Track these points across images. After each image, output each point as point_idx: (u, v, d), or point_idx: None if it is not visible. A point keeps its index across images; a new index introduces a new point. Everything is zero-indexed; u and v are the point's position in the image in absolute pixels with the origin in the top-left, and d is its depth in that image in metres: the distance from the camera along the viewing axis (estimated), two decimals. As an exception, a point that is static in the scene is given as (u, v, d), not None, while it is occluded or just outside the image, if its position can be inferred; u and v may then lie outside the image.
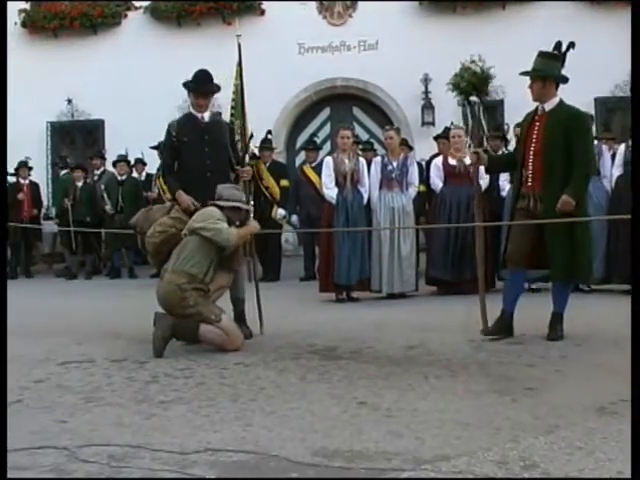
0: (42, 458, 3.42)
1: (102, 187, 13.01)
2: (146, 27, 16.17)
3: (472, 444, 3.45)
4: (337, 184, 8.87)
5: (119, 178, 12.99)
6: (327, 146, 14.63)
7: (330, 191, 8.85)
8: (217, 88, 7.01)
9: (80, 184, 13.12)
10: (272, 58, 14.75)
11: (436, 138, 10.46)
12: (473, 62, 6.40)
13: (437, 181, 9.20)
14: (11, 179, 13.76)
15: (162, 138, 7.35)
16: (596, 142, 9.35)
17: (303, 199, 11.28)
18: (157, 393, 4.59)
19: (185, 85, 6.88)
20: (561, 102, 6.04)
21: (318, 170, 9.99)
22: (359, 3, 15.71)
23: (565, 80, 6.07)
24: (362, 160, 9.28)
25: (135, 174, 13.42)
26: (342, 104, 16.07)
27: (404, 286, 8.85)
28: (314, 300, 8.84)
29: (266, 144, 11.78)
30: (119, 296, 10.11)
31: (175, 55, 14.60)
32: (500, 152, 9.68)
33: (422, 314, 6.47)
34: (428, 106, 14.15)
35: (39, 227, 13.31)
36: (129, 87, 15.03)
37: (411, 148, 11.91)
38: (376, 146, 12.66)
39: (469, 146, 7.77)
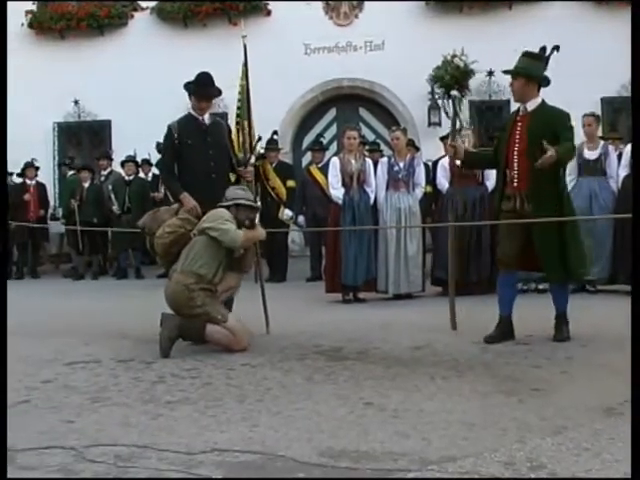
0: (49, 458, 3.43)
1: (109, 187, 13.03)
2: (152, 28, 16.18)
3: (479, 445, 3.45)
4: (343, 184, 8.87)
5: (126, 178, 13.01)
6: (333, 146, 14.62)
7: (337, 191, 8.85)
8: (219, 92, 7.03)
9: (87, 185, 13.14)
10: (278, 58, 14.75)
11: (442, 139, 10.44)
12: (455, 56, 6.40)
13: (443, 182, 9.18)
14: (18, 180, 13.80)
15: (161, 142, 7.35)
16: (602, 142, 9.35)
17: (309, 199, 11.28)
18: (164, 393, 4.60)
19: (186, 87, 6.88)
20: (543, 102, 6.04)
21: (324, 170, 9.99)
22: (365, 3, 15.71)
23: (547, 82, 6.05)
24: (369, 161, 9.28)
25: (142, 174, 13.44)
26: (348, 104, 16.06)
27: (410, 287, 8.85)
28: (320, 301, 8.84)
29: (272, 145, 11.79)
30: (126, 296, 10.12)
31: (181, 56, 14.61)
32: None
33: (428, 315, 6.47)
34: (434, 106, 14.13)
35: (46, 227, 13.31)
36: (135, 88, 15.05)
37: (418, 149, 11.90)
38: (383, 147, 12.66)
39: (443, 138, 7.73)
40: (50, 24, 15.93)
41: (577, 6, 15.32)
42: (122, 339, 6.49)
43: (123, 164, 13.19)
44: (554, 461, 3.22)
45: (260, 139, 10.64)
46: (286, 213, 11.30)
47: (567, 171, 9.05)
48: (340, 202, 8.81)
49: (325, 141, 13.46)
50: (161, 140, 7.40)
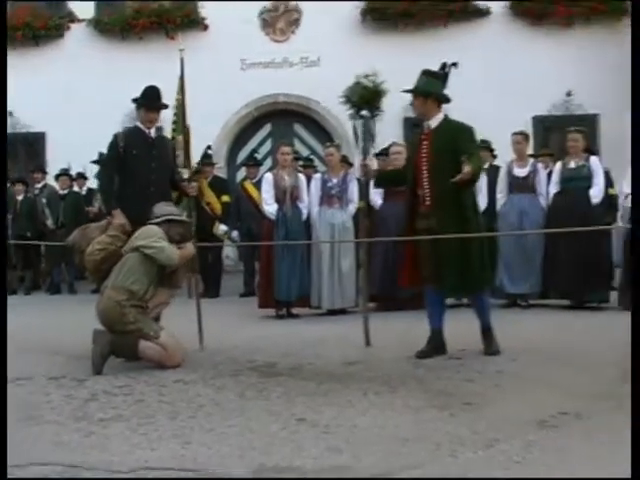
0: (-24, 478, 3.35)
1: (43, 201, 12.83)
2: (89, 40, 16.02)
3: (411, 459, 3.47)
4: (277, 200, 8.87)
5: (60, 192, 12.84)
6: (268, 162, 14.64)
7: (270, 207, 8.86)
8: (165, 105, 7.09)
9: (21, 198, 12.92)
10: (214, 73, 14.73)
11: (376, 155, 10.52)
12: (366, 76, 6.48)
13: (377, 197, 9.25)
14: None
15: (104, 152, 7.32)
16: (532, 160, 9.53)
17: (244, 215, 11.26)
18: (96, 411, 4.53)
19: (134, 100, 6.93)
20: (446, 118, 6.10)
21: (259, 186, 9.99)
22: (302, 20, 15.80)
23: (447, 99, 6.11)
24: (302, 176, 9.31)
25: (76, 188, 13.27)
26: (283, 120, 16.11)
27: (344, 302, 8.88)
28: (254, 316, 8.81)
29: (206, 160, 11.75)
30: (58, 312, 9.96)
31: (118, 68, 14.52)
32: (488, 164, 9.78)
33: (362, 330, 6.49)
34: (372, 120, 14.22)
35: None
36: (71, 100, 14.88)
37: (351, 165, 11.96)
38: (317, 163, 12.71)
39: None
40: (-18, 33, 15.67)
41: (511, 25, 15.63)
42: (54, 355, 6.38)
43: (57, 178, 13.01)
44: (486, 474, 3.26)
45: (210, 147, 10.65)
46: (221, 228, 11.27)
47: (498, 188, 9.27)
48: (273, 217, 8.81)
49: (260, 156, 13.48)
50: (103, 150, 7.37)
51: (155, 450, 3.71)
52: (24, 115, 15.59)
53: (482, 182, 9.26)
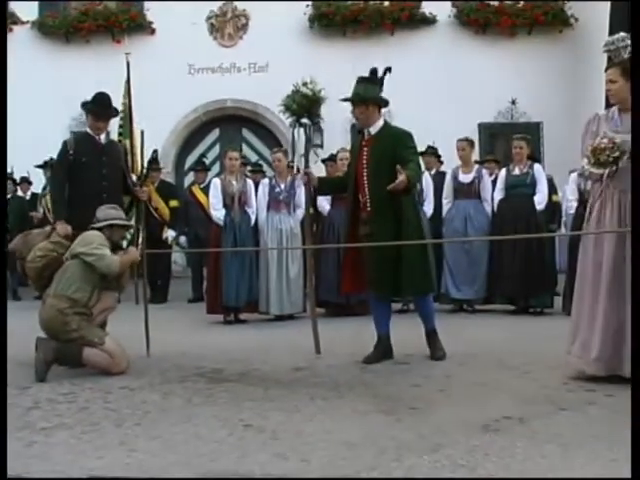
0: None
1: (-16, 207, 12.62)
2: (33, 42, 15.85)
3: (357, 464, 3.48)
4: (225, 205, 8.84)
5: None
6: (216, 167, 14.60)
7: (218, 212, 8.82)
8: (116, 112, 7.10)
9: (-39, 203, 12.69)
10: (162, 77, 14.67)
11: (324, 161, 10.56)
12: (305, 84, 6.54)
13: (324, 203, 9.27)
14: None
15: (48, 156, 7.24)
16: (477, 166, 9.64)
17: (192, 220, 11.20)
18: (39, 419, 4.46)
19: (84, 106, 6.88)
20: (385, 124, 6.14)
21: (207, 191, 9.94)
22: (250, 25, 15.80)
23: (386, 103, 6.13)
24: (249, 182, 9.30)
25: (20, 193, 13.07)
26: (231, 125, 16.09)
27: (292, 308, 8.88)
28: (202, 322, 8.77)
29: (153, 164, 11.65)
30: (0, 319, 9.78)
31: (63, 72, 14.37)
32: (434, 170, 9.84)
33: (310, 336, 6.49)
34: (317, 129, 14.28)
35: None
36: (15, 103, 14.63)
37: (299, 170, 11.99)
38: (265, 168, 12.71)
39: (297, 168, 7.87)
40: None
41: (457, 34, 15.83)
42: (-5, 363, 6.27)
43: (-4, 181, 12.81)
44: (430, 478, 3.28)
45: (156, 151, 10.57)
46: (169, 233, 11.19)
47: (443, 194, 9.36)
48: (221, 223, 8.78)
49: (208, 161, 13.42)
50: (43, 159, 7.29)
51: (100, 458, 3.66)
52: (-34, 118, 15.32)
53: (428, 188, 9.35)
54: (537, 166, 9.17)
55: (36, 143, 12.23)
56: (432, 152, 10.20)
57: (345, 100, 6.12)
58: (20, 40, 15.79)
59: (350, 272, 6.19)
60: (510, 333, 7.46)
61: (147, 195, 7.29)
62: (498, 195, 9.11)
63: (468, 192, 9.27)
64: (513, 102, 15.47)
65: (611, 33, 8.02)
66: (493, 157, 11.33)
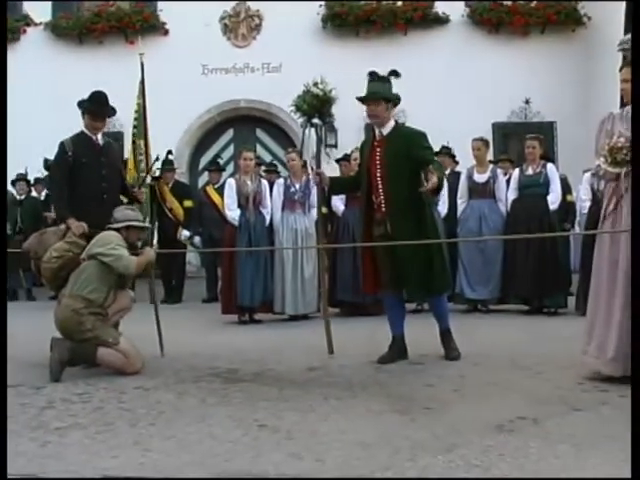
0: None
1: None
2: (46, 44, 15.91)
3: (372, 464, 3.47)
4: (239, 206, 8.85)
5: (18, 198, 12.68)
6: (230, 167, 14.62)
7: (232, 212, 8.83)
8: (113, 111, 6.93)
9: (-25, 203, 12.75)
10: (176, 78, 14.70)
11: (338, 161, 10.56)
12: (315, 84, 6.53)
13: (338, 203, 9.27)
14: None
15: (45, 158, 7.22)
16: (492, 166, 9.61)
17: (206, 220, 11.21)
18: (53, 419, 4.47)
19: (80, 105, 6.75)
20: (397, 125, 6.13)
21: (221, 191, 9.95)
22: (263, 25, 15.81)
23: (398, 100, 6.12)
24: (264, 182, 9.30)
25: (34, 193, 13.12)
26: (245, 126, 16.12)
27: (307, 308, 8.88)
28: (217, 322, 8.78)
29: (168, 165, 11.69)
30: (16, 318, 9.80)
31: (76, 73, 14.42)
32: (449, 170, 9.81)
33: (324, 336, 6.49)
34: (330, 129, 14.27)
35: None
36: (28, 104, 14.73)
37: (312, 169, 11.97)
38: (280, 168, 12.72)
39: (311, 168, 7.89)
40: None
41: (471, 33, 15.79)
42: (11, 363, 6.26)
43: (14, 183, 12.85)
44: (444, 478, 3.28)
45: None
46: (184, 233, 11.22)
47: (458, 194, 9.34)
48: (236, 223, 8.79)
49: (222, 161, 13.43)
50: (49, 157, 7.25)
51: (114, 458, 3.67)
52: (-21, 119, 15.40)
53: (443, 188, 9.33)
54: (550, 166, 9.14)
55: (50, 144, 12.22)
56: (446, 152, 10.18)
57: (359, 99, 6.10)
58: (34, 41, 15.88)
59: (371, 272, 6.18)
60: (524, 333, 7.44)
61: (143, 197, 7.23)
62: (511, 195, 9.08)
63: (483, 192, 9.25)
64: (527, 102, 15.42)
65: (626, 32, 8.01)
66: (507, 157, 11.30)
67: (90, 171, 6.49)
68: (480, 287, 9.10)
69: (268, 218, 8.97)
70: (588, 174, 9.01)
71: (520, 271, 8.81)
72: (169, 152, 11.96)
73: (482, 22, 15.66)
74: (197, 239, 11.36)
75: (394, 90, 6.10)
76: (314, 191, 9.04)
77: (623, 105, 5.36)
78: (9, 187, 13.13)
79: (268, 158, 14.68)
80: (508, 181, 9.32)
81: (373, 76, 6.05)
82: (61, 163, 6.59)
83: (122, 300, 6.00)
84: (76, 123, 6.99)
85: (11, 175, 13.29)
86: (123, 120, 14.30)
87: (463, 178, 9.44)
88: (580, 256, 8.72)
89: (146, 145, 11.45)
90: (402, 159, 5.83)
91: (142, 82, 11.45)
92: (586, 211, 8.84)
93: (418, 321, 7.12)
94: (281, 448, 3.76)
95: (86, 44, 15.84)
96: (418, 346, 6.19)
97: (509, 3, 15.67)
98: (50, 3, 15.95)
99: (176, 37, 15.63)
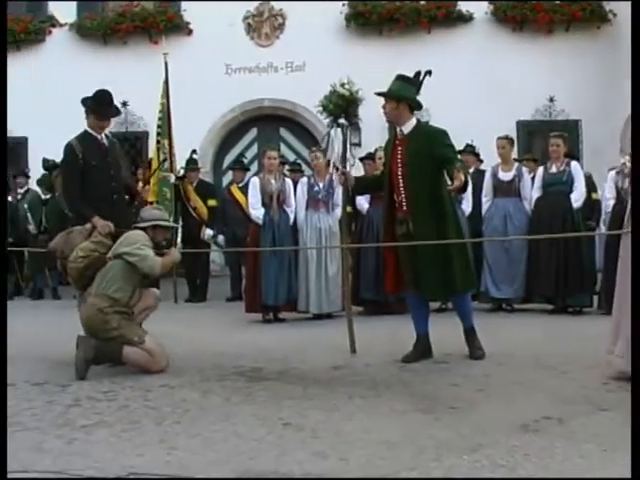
0: (-42, 486, 3.33)
1: (25, 206, 12.76)
2: (71, 44, 16.00)
3: (396, 464, 3.47)
4: (263, 204, 8.87)
5: (43, 197, 12.76)
6: (254, 166, 14.65)
7: (256, 211, 8.85)
8: (118, 111, 7.00)
9: (2, 203, 12.85)
10: (199, 78, 14.74)
11: (362, 159, 10.54)
12: (342, 85, 6.53)
13: (363, 202, 9.25)
14: None
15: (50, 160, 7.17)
16: (517, 164, 9.56)
17: (229, 219, 11.23)
18: (79, 417, 4.50)
19: (84, 103, 6.71)
20: (418, 123, 6.12)
21: (245, 190, 9.96)
22: (286, 25, 15.82)
23: (420, 106, 6.12)
24: (288, 181, 9.31)
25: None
26: (269, 124, 16.13)
27: (331, 306, 8.88)
28: (241, 321, 8.80)
29: (191, 164, 11.73)
30: (41, 317, 9.91)
31: (101, 73, 14.44)
32: (473, 168, 9.76)
33: (347, 335, 6.49)
34: (355, 127, 14.24)
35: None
36: (53, 105, 14.82)
37: (337, 169, 11.96)
38: (304, 167, 12.72)
39: (336, 168, 7.91)
40: (-35, 39, 15.61)
41: (495, 31, 15.71)
42: (37, 361, 6.34)
43: (39, 182, 12.94)
44: (470, 478, 3.27)
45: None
46: (207, 232, 11.25)
47: (483, 192, 9.30)
48: (260, 222, 8.80)
49: (246, 161, 13.47)
50: (47, 157, 7.21)
51: (140, 456, 3.69)
52: (6, 120, 15.51)
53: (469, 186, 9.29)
54: (574, 164, 9.07)
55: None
56: (470, 150, 10.14)
57: (378, 94, 6.10)
58: (59, 42, 15.97)
59: (392, 272, 6.17)
60: (548, 332, 7.40)
61: (150, 194, 7.20)
62: (535, 193, 9.01)
63: (508, 190, 9.20)
64: (551, 100, 15.32)
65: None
66: (531, 156, 11.24)
67: (100, 172, 6.46)
68: (505, 286, 9.06)
69: (292, 217, 8.98)
70: (613, 172, 8.94)
71: (544, 270, 8.76)
72: (193, 151, 12.00)
73: (506, 20, 15.57)
74: (221, 238, 11.39)
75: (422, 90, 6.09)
76: (338, 190, 9.07)
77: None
78: (34, 187, 13.23)
79: (292, 157, 14.68)
80: (533, 179, 9.26)
81: (398, 76, 6.06)
82: (73, 165, 6.50)
83: (148, 299, 6.04)
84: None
85: (36, 175, 13.41)
86: (147, 120, 14.40)
87: (488, 176, 9.39)
88: (604, 255, 8.65)
89: (170, 145, 11.51)
90: (423, 158, 5.82)
91: (166, 82, 11.51)
92: (610, 210, 8.78)
93: (442, 320, 7.10)
94: (305, 447, 3.76)
95: (110, 44, 15.91)
96: (442, 345, 6.18)
97: (533, 1, 15.57)
98: (75, 4, 16.03)
99: (200, 37, 15.67)
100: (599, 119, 14.35)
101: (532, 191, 9.09)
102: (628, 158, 4.99)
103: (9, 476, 3.39)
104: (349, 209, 9.67)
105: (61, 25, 16.05)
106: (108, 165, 6.56)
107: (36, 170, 13.94)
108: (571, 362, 5.69)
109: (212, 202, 11.47)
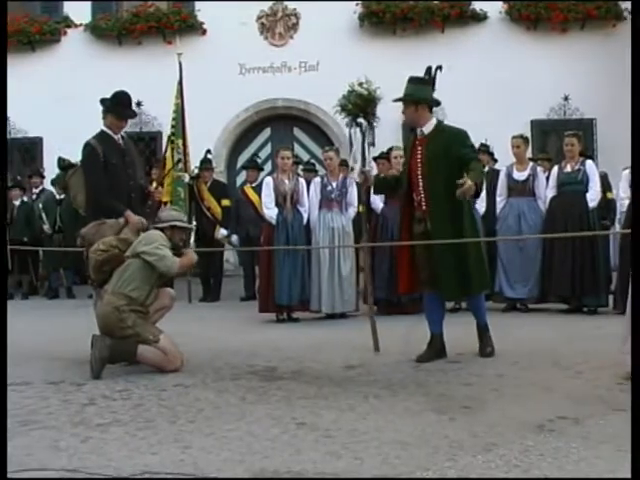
0: (-26, 484, 3.34)
1: (40, 206, 12.81)
2: (86, 45, 16.05)
3: (411, 464, 3.47)
4: (277, 204, 8.88)
5: (57, 197, 12.82)
6: (268, 166, 14.66)
7: (270, 211, 8.86)
8: (134, 113, 7.07)
9: (18, 203, 12.91)
10: (213, 77, 14.77)
11: (376, 159, 10.54)
12: (360, 84, 6.55)
13: (378, 201, 9.24)
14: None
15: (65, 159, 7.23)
16: (531, 163, 9.53)
17: (243, 219, 11.26)
18: (94, 415, 4.52)
19: (103, 103, 6.74)
20: (439, 123, 6.13)
21: (258, 190, 9.99)
22: (300, 24, 15.83)
23: (437, 103, 6.12)
24: (302, 180, 9.32)
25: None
26: (283, 124, 16.14)
27: (345, 306, 8.88)
28: (254, 320, 8.81)
29: (206, 164, 11.76)
30: (56, 316, 9.95)
31: (115, 73, 14.49)
32: (487, 167, 9.75)
33: (362, 334, 6.49)
34: (369, 127, 14.23)
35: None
36: (68, 105, 14.88)
37: (351, 169, 11.96)
38: (318, 167, 12.73)
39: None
40: (-17, 40, 15.69)
41: (509, 30, 15.67)
42: (52, 360, 6.37)
43: (54, 182, 12.98)
44: (484, 478, 3.26)
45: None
46: (221, 232, 11.29)
47: (497, 192, 9.28)
48: (274, 222, 8.81)
49: (260, 160, 13.48)
50: (62, 155, 7.25)
51: (155, 455, 3.70)
52: (20, 120, 15.61)
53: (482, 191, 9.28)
54: (589, 163, 9.04)
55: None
56: (485, 150, 10.11)
57: (396, 100, 6.11)
58: (73, 43, 16.03)
59: (406, 272, 6.17)
60: (563, 332, 7.38)
61: (162, 195, 7.23)
62: (550, 192, 8.99)
63: (522, 190, 9.17)
64: (566, 98, 15.27)
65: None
66: (545, 156, 11.20)
67: (118, 172, 6.51)
68: (519, 286, 9.03)
69: (306, 217, 8.99)
70: (627, 171, 8.89)
71: (559, 270, 8.73)
72: (207, 151, 12.04)
73: (520, 19, 15.53)
74: (234, 238, 11.41)
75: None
76: (351, 189, 9.08)
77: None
78: (49, 187, 13.29)
79: (306, 157, 14.70)
80: (547, 179, 9.23)
81: (410, 79, 6.06)
82: (96, 164, 6.52)
83: (163, 299, 6.07)
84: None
85: (51, 175, 13.46)
86: (161, 120, 14.43)
87: (502, 176, 9.37)
88: (618, 254, 8.62)
89: (184, 145, 11.54)
90: (442, 158, 5.84)
91: (180, 82, 11.55)
92: (625, 209, 8.74)
93: (456, 320, 7.09)
94: (319, 446, 3.76)
95: (125, 45, 15.96)
96: (456, 345, 6.18)
97: (548, 0, 15.50)
98: (90, 4, 16.09)
99: (214, 37, 15.69)
100: (614, 118, 14.27)
101: (546, 190, 9.06)
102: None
103: (21, 475, 3.41)
104: (362, 209, 9.68)
105: (76, 26, 16.10)
106: (125, 165, 6.61)
107: (51, 170, 14.01)
108: (586, 362, 5.68)
109: (226, 202, 11.50)
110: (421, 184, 5.98)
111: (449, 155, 5.83)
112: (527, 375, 5.36)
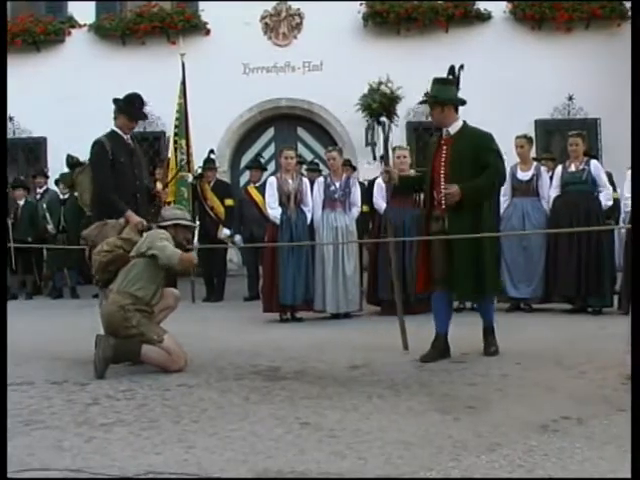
0: (-22, 484, 3.35)
1: (44, 206, 12.82)
2: (90, 45, 16.04)
3: (414, 464, 3.46)
4: (281, 204, 8.88)
5: (61, 197, 12.83)
6: (271, 166, 14.67)
7: (274, 211, 8.86)
8: (145, 115, 7.13)
9: (22, 203, 12.92)
10: (217, 77, 14.76)
11: (381, 157, 10.53)
12: (382, 83, 6.57)
13: (380, 202, 9.23)
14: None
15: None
16: (535, 163, 9.51)
17: (247, 219, 11.26)
18: (98, 415, 4.52)
19: (116, 103, 6.79)
20: (465, 124, 6.15)
21: (262, 190, 9.98)
22: (304, 24, 15.81)
23: (462, 102, 6.16)
24: (305, 180, 9.32)
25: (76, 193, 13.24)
26: (286, 124, 16.13)
27: (349, 306, 8.88)
28: (258, 320, 8.81)
29: (209, 164, 11.76)
30: (60, 316, 9.96)
31: (119, 73, 14.51)
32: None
33: (366, 334, 6.50)
34: (372, 127, 14.24)
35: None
36: (72, 105, 14.89)
37: (354, 168, 11.97)
38: (321, 167, 12.73)
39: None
40: (-17, 40, 15.70)
41: (513, 29, 15.64)
42: (56, 360, 6.38)
43: (57, 182, 13.01)
44: (488, 478, 3.26)
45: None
46: (224, 232, 11.28)
47: (501, 192, 9.25)
48: (277, 221, 8.81)
49: (263, 160, 13.49)
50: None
51: (158, 455, 3.70)
52: (24, 120, 15.62)
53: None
54: (594, 162, 9.03)
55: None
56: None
57: (422, 102, 6.15)
58: (78, 43, 16.03)
59: (424, 272, 6.16)
60: (567, 332, 7.37)
61: (167, 196, 7.26)
62: (554, 192, 8.98)
63: (526, 190, 9.17)
64: (570, 98, 15.24)
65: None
66: (549, 155, 11.19)
67: (126, 171, 6.58)
68: (523, 286, 9.02)
69: (309, 216, 8.98)
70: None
71: (563, 270, 8.72)
72: (211, 151, 12.03)
73: (524, 18, 15.50)
74: (238, 238, 11.41)
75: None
76: (354, 189, 9.08)
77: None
78: (53, 186, 13.30)
79: (309, 156, 14.69)
80: (551, 178, 9.22)
81: (435, 80, 6.09)
82: (104, 162, 6.59)
83: (168, 299, 6.07)
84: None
85: (55, 175, 13.48)
86: (165, 119, 14.42)
87: (506, 176, 9.34)
88: (623, 254, 8.60)
89: (188, 145, 11.54)
90: (466, 159, 5.90)
91: (183, 82, 11.55)
92: (629, 209, 8.71)
93: (460, 319, 7.07)
94: (323, 446, 3.76)
95: (129, 45, 15.96)
96: (460, 345, 6.17)
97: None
98: (94, 4, 16.09)
99: (217, 37, 15.68)
100: (618, 118, 14.23)
101: (550, 190, 9.05)
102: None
103: (23, 475, 3.41)
104: (366, 208, 9.69)
105: (80, 26, 16.10)
106: (133, 164, 6.66)
107: (55, 170, 14.03)
108: (590, 362, 5.67)
109: (229, 202, 11.49)
110: (443, 183, 6.00)
111: (474, 156, 5.88)
112: (531, 375, 5.35)
